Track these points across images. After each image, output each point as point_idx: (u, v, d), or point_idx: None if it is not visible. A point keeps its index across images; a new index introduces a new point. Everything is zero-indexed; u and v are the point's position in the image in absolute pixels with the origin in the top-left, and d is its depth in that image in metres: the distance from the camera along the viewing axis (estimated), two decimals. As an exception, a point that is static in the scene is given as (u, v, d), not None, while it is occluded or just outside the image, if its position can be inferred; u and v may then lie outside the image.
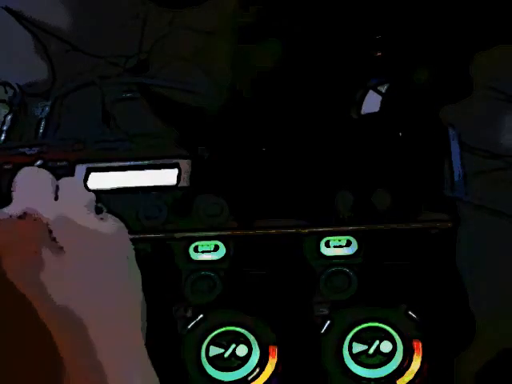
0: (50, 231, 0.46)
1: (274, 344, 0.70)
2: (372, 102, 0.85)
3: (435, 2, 0.90)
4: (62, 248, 0.46)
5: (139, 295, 0.51)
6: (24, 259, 0.44)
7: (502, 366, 0.69)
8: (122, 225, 0.53)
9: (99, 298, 0.46)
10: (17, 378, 0.42)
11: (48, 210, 0.48)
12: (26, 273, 0.44)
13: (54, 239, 0.46)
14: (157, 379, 0.48)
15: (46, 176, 0.53)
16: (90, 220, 0.50)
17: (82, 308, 0.44)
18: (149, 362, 0.49)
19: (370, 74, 0.88)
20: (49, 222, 0.47)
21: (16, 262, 0.44)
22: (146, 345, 0.70)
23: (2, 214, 0.47)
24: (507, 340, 0.69)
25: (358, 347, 0.69)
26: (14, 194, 0.50)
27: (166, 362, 0.70)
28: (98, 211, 0.76)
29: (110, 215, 0.53)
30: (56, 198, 0.51)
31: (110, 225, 0.52)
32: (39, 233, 0.46)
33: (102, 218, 0.52)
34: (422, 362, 0.68)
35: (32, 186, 0.51)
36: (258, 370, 0.69)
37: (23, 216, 0.47)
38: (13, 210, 0.47)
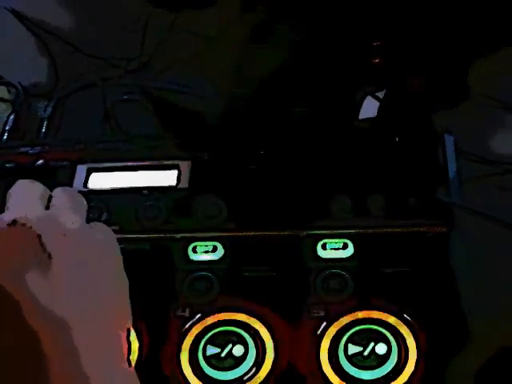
0: (39, 238, 0.47)
1: (270, 345, 0.71)
2: (370, 108, 0.86)
3: (433, 9, 0.91)
4: (49, 254, 0.47)
5: (126, 302, 0.52)
6: (12, 263, 0.45)
7: (497, 368, 0.69)
8: (111, 233, 0.54)
9: (85, 303, 0.47)
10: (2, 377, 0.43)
11: (38, 218, 0.49)
12: (14, 276, 0.45)
13: (42, 245, 0.47)
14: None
15: (38, 187, 0.54)
16: (79, 228, 0.51)
17: (68, 312, 0.45)
18: (131, 368, 0.49)
19: (368, 80, 0.88)
20: (38, 229, 0.48)
21: (5, 265, 0.45)
22: (144, 343, 0.71)
23: None
24: (502, 342, 0.70)
25: (353, 349, 0.70)
26: (7, 204, 0.52)
27: (163, 361, 0.71)
28: (98, 215, 0.77)
29: (100, 223, 0.54)
30: (47, 208, 0.52)
31: (100, 233, 0.53)
32: (27, 238, 0.47)
33: (92, 227, 0.53)
34: (416, 364, 0.69)
35: (24, 197, 0.52)
36: (254, 369, 0.70)
37: (13, 223, 0.48)
38: (5, 217, 0.49)
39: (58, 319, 0.44)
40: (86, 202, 0.57)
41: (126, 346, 0.50)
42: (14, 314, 0.43)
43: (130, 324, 0.51)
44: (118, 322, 0.50)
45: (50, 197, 0.54)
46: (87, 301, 0.47)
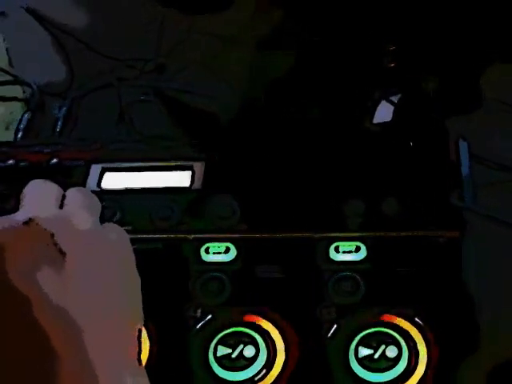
0: (53, 237, 0.47)
1: (281, 346, 0.71)
2: (384, 112, 0.86)
3: (447, 14, 0.91)
4: (62, 253, 0.47)
5: (138, 302, 0.52)
6: (25, 261, 0.46)
7: (508, 374, 0.69)
8: (124, 234, 0.54)
9: (97, 302, 0.47)
10: (9, 372, 0.43)
11: (52, 217, 0.49)
12: (26, 274, 0.45)
13: (55, 244, 0.47)
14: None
15: (52, 187, 0.55)
16: (92, 227, 0.52)
17: (79, 311, 0.45)
18: (142, 367, 0.49)
19: (383, 84, 0.89)
20: (51, 228, 0.48)
21: (18, 263, 0.45)
22: (155, 343, 0.71)
23: (8, 219, 0.49)
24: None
25: (363, 351, 0.70)
26: (22, 204, 0.52)
27: (174, 361, 0.72)
28: (111, 215, 0.78)
29: (113, 224, 0.55)
30: (61, 207, 0.52)
31: (113, 233, 0.53)
32: (41, 237, 0.47)
33: (105, 228, 0.53)
34: (426, 368, 0.69)
35: (38, 196, 0.52)
36: (264, 371, 0.70)
37: (27, 221, 0.48)
38: (19, 216, 0.49)
39: (68, 318, 0.45)
40: (99, 202, 0.57)
41: (137, 345, 0.50)
42: (24, 312, 0.43)
43: (141, 324, 0.52)
44: (130, 321, 0.50)
45: (64, 196, 0.55)
46: (99, 300, 0.48)
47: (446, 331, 0.70)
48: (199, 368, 0.71)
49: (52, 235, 0.47)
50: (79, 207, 0.53)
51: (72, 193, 0.55)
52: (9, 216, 0.50)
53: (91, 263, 0.49)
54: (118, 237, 0.53)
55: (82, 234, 0.50)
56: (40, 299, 0.44)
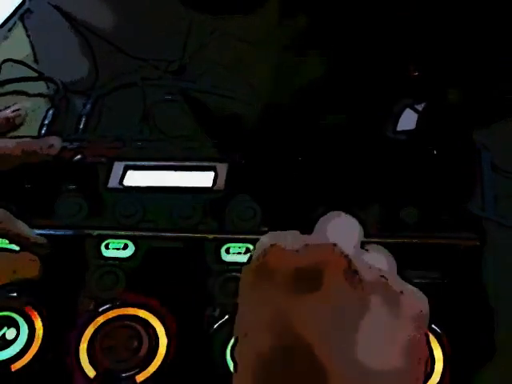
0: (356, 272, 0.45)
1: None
2: (408, 120, 0.86)
3: (472, 25, 0.92)
4: (361, 280, 0.45)
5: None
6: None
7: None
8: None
9: (388, 360, 0.44)
10: None
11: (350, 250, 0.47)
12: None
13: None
14: None
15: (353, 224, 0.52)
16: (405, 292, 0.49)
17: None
18: None
19: (408, 93, 0.89)
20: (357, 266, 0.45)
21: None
22: (174, 342, 0.72)
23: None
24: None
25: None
26: (321, 230, 0.51)
27: (192, 360, 0.72)
28: (133, 212, 0.78)
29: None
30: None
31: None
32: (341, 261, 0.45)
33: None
34: (442, 375, 0.69)
35: (344, 233, 0.50)
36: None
37: (324, 246, 0.46)
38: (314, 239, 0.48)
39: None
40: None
41: None
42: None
43: None
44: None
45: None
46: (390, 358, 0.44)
47: (463, 338, 0.70)
48: (217, 367, 0.71)
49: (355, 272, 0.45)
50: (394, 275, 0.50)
51: (378, 254, 0.52)
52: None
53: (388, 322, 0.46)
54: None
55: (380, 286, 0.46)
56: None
